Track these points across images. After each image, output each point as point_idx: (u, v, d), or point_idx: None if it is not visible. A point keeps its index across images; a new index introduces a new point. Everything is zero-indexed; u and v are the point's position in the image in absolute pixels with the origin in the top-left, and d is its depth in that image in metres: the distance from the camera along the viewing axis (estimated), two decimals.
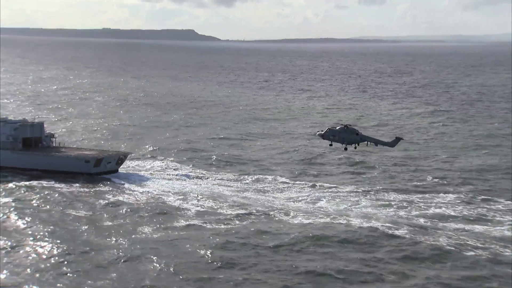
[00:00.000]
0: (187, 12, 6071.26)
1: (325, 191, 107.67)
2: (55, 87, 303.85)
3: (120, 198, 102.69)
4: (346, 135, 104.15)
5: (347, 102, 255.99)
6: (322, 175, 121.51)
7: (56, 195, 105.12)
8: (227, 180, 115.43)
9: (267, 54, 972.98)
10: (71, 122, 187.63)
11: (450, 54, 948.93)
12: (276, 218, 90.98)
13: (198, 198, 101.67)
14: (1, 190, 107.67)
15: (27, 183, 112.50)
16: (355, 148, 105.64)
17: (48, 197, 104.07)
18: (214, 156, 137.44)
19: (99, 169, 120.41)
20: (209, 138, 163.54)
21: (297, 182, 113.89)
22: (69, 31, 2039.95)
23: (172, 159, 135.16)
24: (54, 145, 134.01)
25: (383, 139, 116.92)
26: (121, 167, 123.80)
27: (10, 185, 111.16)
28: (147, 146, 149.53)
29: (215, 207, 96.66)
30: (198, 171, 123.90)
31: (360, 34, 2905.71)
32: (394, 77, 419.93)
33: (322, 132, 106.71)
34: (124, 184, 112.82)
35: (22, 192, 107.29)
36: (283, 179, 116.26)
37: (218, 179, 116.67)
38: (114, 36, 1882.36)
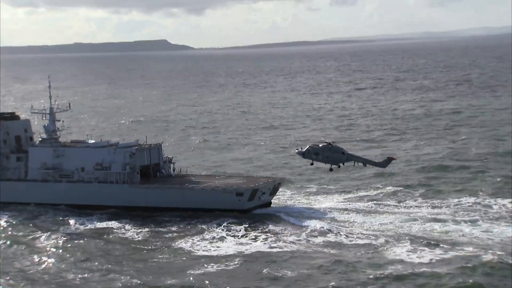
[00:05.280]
0: (155, 23, 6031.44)
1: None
2: (156, 107, 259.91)
3: (296, 242, 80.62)
4: (330, 154, 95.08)
5: None
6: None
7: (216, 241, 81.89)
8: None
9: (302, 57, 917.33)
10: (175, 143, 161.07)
11: (444, 50, 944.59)
12: None
13: (408, 238, 78.49)
14: (128, 238, 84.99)
15: (160, 227, 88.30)
16: (339, 167, 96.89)
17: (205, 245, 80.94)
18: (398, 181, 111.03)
19: (253, 203, 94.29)
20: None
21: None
22: (40, 47, 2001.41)
23: (322, 183, 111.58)
24: (174, 173, 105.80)
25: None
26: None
27: (137, 230, 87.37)
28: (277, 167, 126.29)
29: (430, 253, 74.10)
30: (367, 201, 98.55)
31: (331, 36, 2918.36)
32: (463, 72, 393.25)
33: (303, 150, 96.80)
34: (298, 221, 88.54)
35: (168, 241, 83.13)
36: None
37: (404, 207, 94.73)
38: (87, 51, 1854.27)
